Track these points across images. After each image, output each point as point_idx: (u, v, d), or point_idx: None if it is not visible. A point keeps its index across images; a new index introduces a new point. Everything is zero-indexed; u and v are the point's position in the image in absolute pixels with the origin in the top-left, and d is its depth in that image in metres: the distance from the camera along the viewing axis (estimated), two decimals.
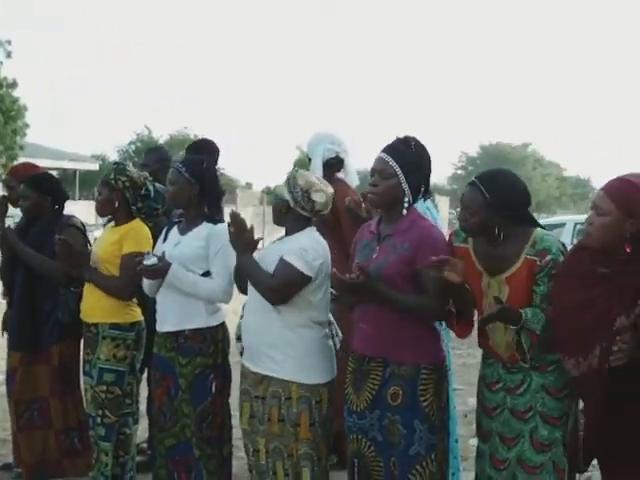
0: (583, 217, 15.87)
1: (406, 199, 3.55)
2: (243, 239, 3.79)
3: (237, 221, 3.78)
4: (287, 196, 3.78)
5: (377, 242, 3.62)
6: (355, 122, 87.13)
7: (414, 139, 3.62)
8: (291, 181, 3.79)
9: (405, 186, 3.53)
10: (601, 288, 3.12)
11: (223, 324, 4.28)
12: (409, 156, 3.56)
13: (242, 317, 4.00)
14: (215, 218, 4.28)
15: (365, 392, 3.56)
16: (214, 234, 4.17)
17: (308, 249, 3.70)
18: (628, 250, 3.07)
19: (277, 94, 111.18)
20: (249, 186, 46.51)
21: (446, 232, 3.80)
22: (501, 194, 3.38)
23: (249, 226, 3.82)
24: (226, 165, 39.93)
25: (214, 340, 4.17)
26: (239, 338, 4.05)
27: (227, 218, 3.98)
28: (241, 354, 4.00)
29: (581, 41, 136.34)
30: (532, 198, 3.62)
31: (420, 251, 3.46)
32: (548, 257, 3.35)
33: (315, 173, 5.05)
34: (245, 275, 3.82)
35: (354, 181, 5.44)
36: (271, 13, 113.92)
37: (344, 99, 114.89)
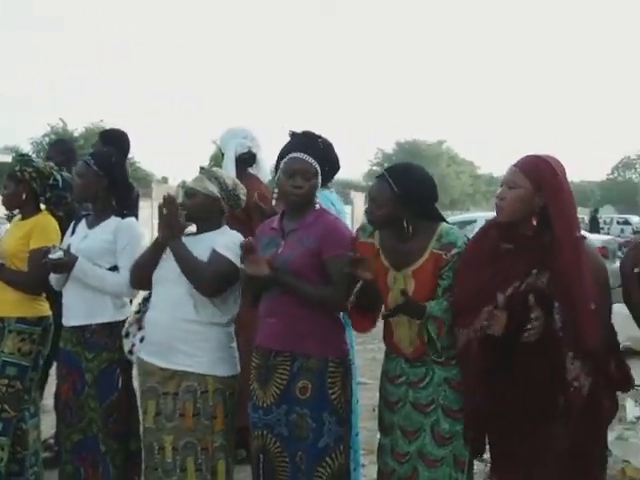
0: (494, 214, 16.38)
1: (316, 194, 3.65)
2: (175, 222, 3.72)
3: (171, 204, 3.72)
4: (216, 192, 3.78)
5: (281, 237, 3.64)
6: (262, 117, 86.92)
7: (319, 135, 3.67)
8: (220, 179, 3.81)
9: (318, 183, 3.64)
10: (502, 263, 3.26)
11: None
12: (317, 152, 3.62)
13: (139, 312, 3.95)
14: (124, 212, 4.23)
15: (272, 387, 3.56)
16: (122, 228, 4.12)
17: (237, 243, 3.70)
18: (535, 223, 3.23)
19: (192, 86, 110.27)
20: (165, 180, 45.89)
21: None
22: (409, 188, 3.41)
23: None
24: (142, 159, 39.42)
25: (121, 335, 4.09)
26: (127, 335, 3.98)
27: (142, 213, 3.93)
28: (130, 352, 3.95)
29: (495, 41, 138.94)
30: (446, 195, 3.71)
31: (325, 242, 3.52)
32: (454, 251, 3.41)
33: (228, 167, 5.06)
34: (178, 261, 3.70)
35: (266, 176, 5.44)
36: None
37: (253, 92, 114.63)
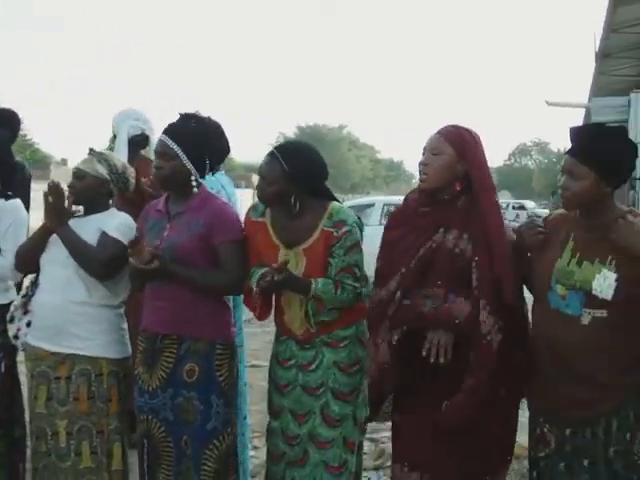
0: (392, 198, 16.51)
1: (193, 177, 3.53)
2: (61, 209, 3.63)
3: (56, 191, 3.62)
4: (105, 174, 3.71)
5: (167, 220, 3.57)
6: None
7: (194, 116, 3.58)
8: (110, 161, 3.75)
9: (189, 165, 3.51)
10: (415, 224, 3.34)
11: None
12: (189, 134, 3.53)
13: (26, 296, 3.83)
14: (7, 193, 4.08)
15: (159, 370, 3.52)
16: (5, 210, 3.98)
17: (131, 227, 3.66)
18: (458, 188, 3.31)
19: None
20: (64, 162, 44.87)
21: None
22: (299, 165, 3.44)
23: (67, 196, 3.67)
24: (41, 140, 38.42)
25: (4, 319, 3.95)
26: (12, 319, 3.86)
27: (38, 195, 3.81)
28: (15, 337, 3.82)
29: (397, 28, 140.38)
30: (347, 179, 3.73)
31: (215, 228, 3.48)
32: (344, 228, 3.44)
33: (120, 149, 4.96)
34: (67, 246, 3.61)
35: None
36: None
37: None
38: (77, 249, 3.60)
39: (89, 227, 3.67)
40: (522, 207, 38.69)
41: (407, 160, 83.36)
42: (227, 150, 3.67)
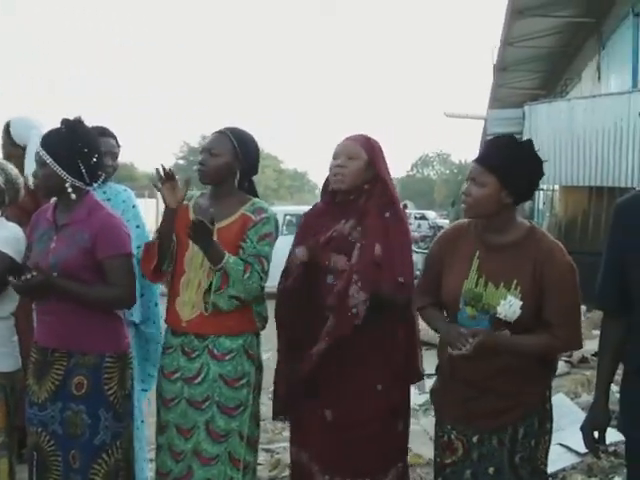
0: (293, 208, 16.62)
1: (68, 184, 3.40)
2: None
3: None
4: (2, 184, 3.59)
5: (54, 231, 3.45)
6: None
7: (67, 122, 3.47)
8: (6, 170, 3.64)
9: (62, 172, 3.37)
10: (324, 218, 3.62)
11: None
12: (57, 140, 3.41)
13: None
14: None
15: (48, 383, 3.41)
16: None
17: (20, 239, 3.53)
18: (366, 187, 3.55)
19: None
20: None
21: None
22: (246, 146, 3.60)
23: None
24: None
25: None
26: None
27: None
28: None
29: (291, 40, 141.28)
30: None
31: (99, 242, 3.36)
32: (263, 214, 3.52)
33: (32, 158, 4.82)
34: None
35: None
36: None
37: None
38: None
39: None
40: (424, 217, 39.24)
41: (311, 170, 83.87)
42: (98, 155, 3.51)
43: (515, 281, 2.99)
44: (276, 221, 3.60)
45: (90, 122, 3.54)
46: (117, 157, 4.24)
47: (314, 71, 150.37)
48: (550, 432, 3.14)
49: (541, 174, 3.09)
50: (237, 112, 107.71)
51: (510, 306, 2.97)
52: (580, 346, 3.12)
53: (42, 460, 3.43)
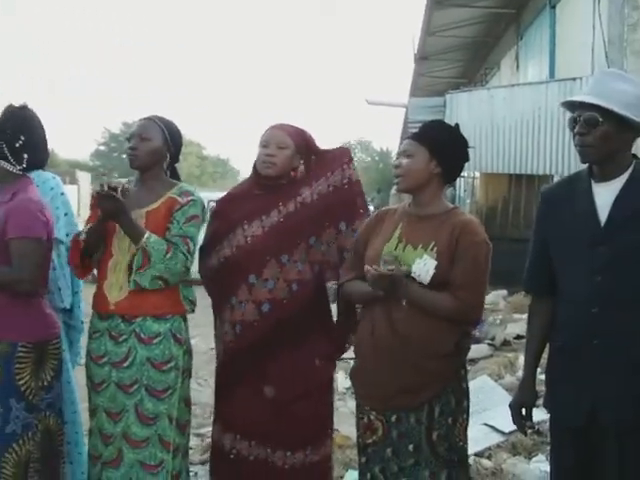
0: (214, 194, 16.57)
1: None
2: None
3: None
4: None
5: None
6: None
7: (6, 105, 3.48)
8: None
9: None
10: (252, 203, 3.70)
11: None
12: None
13: None
14: None
15: None
16: None
17: None
18: (293, 175, 3.72)
19: None
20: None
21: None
22: (173, 133, 3.67)
23: None
24: None
25: None
26: None
27: None
28: None
29: (215, 28, 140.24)
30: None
31: (9, 222, 3.30)
32: (190, 197, 3.58)
33: None
34: None
35: None
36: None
37: None
38: None
39: None
40: None
41: (233, 157, 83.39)
42: (27, 139, 3.47)
43: (432, 243, 3.12)
44: (202, 204, 3.64)
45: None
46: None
47: (236, 56, 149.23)
48: (467, 410, 3.24)
49: (467, 156, 3.29)
50: (158, 99, 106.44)
51: (424, 264, 3.08)
52: (479, 314, 3.26)
53: None
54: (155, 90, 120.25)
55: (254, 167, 3.74)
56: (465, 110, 13.43)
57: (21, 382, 3.33)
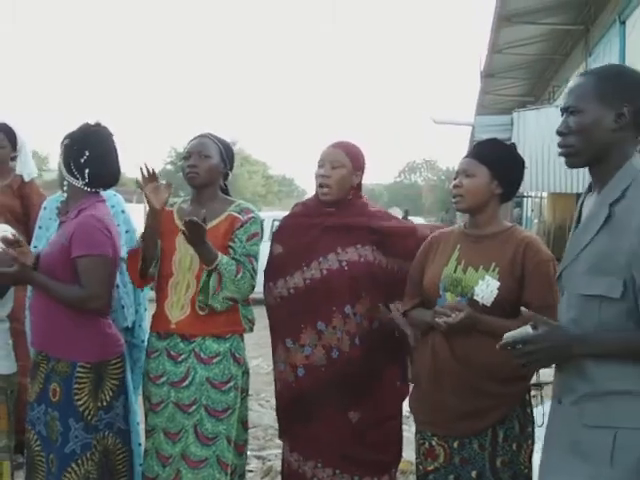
0: (280, 213, 16.63)
1: (65, 181, 3.49)
2: None
3: None
4: None
5: (59, 226, 3.54)
6: None
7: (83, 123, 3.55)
8: None
9: (62, 169, 3.49)
10: (311, 235, 3.57)
11: None
12: (67, 140, 3.52)
13: None
14: None
15: (36, 384, 3.43)
16: None
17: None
18: (350, 197, 3.61)
19: None
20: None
21: None
22: (228, 149, 3.68)
23: None
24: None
25: None
26: None
27: None
28: None
29: (279, 46, 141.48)
30: (238, 195, 3.84)
31: (74, 240, 3.34)
32: (250, 214, 3.56)
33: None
34: None
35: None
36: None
37: None
38: None
39: None
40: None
41: (299, 176, 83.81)
42: (91, 156, 3.50)
43: (494, 264, 3.05)
44: (261, 221, 3.62)
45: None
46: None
47: (302, 76, 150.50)
48: (532, 436, 3.15)
49: (523, 175, 3.23)
50: (225, 118, 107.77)
51: (487, 286, 3.02)
52: None
53: (30, 459, 3.45)
54: (220, 109, 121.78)
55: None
56: (532, 128, 13.28)
57: (79, 402, 3.35)
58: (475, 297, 3.03)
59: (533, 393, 3.19)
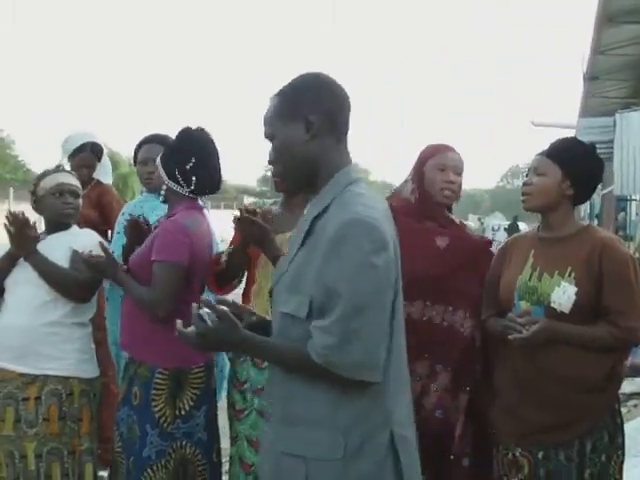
0: None
1: (165, 186, 3.48)
2: (26, 237, 3.56)
3: (17, 221, 3.55)
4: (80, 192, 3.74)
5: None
6: None
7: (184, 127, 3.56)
8: (78, 179, 3.78)
9: (162, 174, 3.47)
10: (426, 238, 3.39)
11: None
12: (168, 145, 3.62)
13: None
14: None
15: (124, 385, 3.49)
16: None
17: (97, 244, 3.56)
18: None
19: None
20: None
21: None
22: None
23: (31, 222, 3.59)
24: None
25: None
26: None
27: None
28: None
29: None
30: None
31: (155, 244, 3.37)
32: None
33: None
34: (41, 274, 3.54)
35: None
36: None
37: None
38: (52, 276, 3.56)
39: (57, 246, 3.62)
40: (517, 229, 38.64)
41: (399, 182, 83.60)
42: (197, 162, 3.51)
43: (569, 268, 2.95)
44: None
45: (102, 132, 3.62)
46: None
47: (402, 82, 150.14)
48: (623, 447, 3.03)
49: (601, 177, 3.10)
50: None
51: (564, 292, 2.92)
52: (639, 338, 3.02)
53: (114, 459, 3.50)
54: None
55: (421, 190, 3.48)
56: (636, 130, 12.87)
57: (156, 409, 3.36)
58: (552, 304, 2.94)
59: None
